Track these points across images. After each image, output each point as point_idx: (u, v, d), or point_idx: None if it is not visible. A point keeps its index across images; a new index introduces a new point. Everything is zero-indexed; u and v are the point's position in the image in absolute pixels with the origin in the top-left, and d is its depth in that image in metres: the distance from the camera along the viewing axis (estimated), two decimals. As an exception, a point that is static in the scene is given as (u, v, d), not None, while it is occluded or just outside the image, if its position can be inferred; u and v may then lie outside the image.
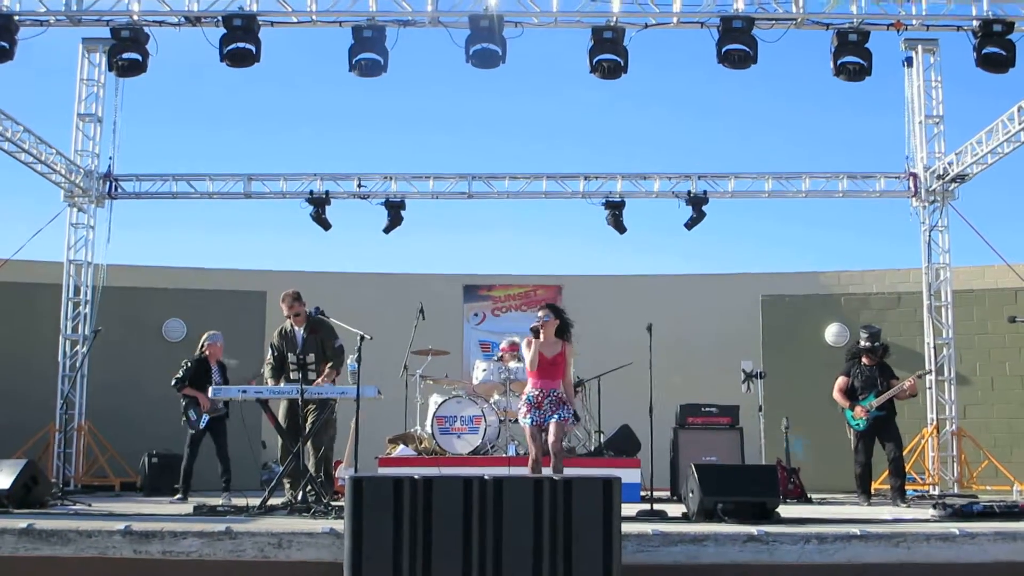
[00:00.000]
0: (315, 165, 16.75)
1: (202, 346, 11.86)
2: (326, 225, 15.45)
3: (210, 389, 10.26)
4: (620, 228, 15.44)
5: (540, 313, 9.09)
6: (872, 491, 11.61)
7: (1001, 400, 15.81)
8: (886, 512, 9.45)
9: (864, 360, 11.59)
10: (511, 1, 11.62)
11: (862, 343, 11.68)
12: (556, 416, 8.87)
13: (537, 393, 8.94)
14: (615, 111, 29.60)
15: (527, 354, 9.00)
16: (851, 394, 11.52)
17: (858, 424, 11.40)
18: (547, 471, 8.72)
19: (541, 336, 9.01)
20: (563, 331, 9.08)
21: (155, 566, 6.67)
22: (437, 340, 13.57)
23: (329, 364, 10.08)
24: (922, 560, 6.76)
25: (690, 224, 15.35)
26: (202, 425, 11.52)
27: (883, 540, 6.81)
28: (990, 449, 14.76)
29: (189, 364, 11.77)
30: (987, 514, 8.27)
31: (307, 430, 9.68)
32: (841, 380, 11.65)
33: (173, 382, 11.66)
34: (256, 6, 11.57)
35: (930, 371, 14.39)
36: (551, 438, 8.88)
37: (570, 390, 9.35)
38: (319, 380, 9.94)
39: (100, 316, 14.66)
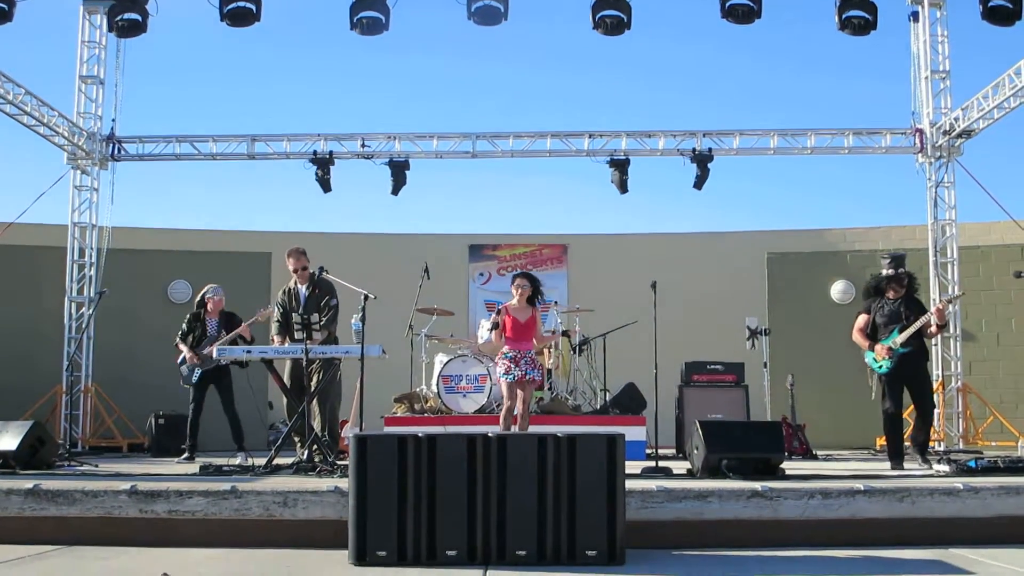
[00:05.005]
0: (319, 125, 16.67)
1: (202, 300, 11.74)
2: (327, 187, 15.38)
3: (215, 350, 10.25)
4: (623, 188, 15.32)
5: (517, 282, 9.83)
6: (905, 450, 9.85)
7: (1007, 356, 15.83)
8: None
9: (888, 293, 9.82)
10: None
11: (884, 271, 10.12)
12: (533, 373, 9.73)
13: (515, 353, 9.71)
14: (619, 71, 29.46)
15: (488, 334, 10.21)
16: (873, 334, 9.79)
17: (880, 367, 9.66)
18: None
19: (514, 301, 9.81)
20: (532, 300, 9.85)
21: (161, 525, 6.70)
22: (442, 300, 13.58)
23: (323, 321, 10.08)
24: (926, 515, 6.77)
25: (698, 183, 15.22)
26: (194, 380, 11.46)
27: (887, 495, 6.82)
28: (995, 405, 14.77)
29: (187, 318, 11.72)
30: (991, 469, 8.29)
31: (312, 389, 9.70)
32: (861, 318, 9.94)
33: (176, 340, 11.61)
34: (256, -36, 11.49)
35: (963, 293, 12.51)
36: (520, 403, 9.73)
37: (543, 342, 10.84)
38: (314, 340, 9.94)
39: (105, 278, 14.67)
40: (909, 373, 9.62)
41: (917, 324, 9.46)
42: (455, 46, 30.83)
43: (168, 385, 12.76)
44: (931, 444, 13.41)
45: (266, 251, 15.95)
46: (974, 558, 6.15)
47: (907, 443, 10.11)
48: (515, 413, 9.71)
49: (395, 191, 15.49)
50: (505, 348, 9.74)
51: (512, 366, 9.64)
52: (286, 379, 10.01)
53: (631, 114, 29.17)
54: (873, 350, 9.66)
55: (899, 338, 9.50)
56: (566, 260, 17.68)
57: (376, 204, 29.78)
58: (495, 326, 9.81)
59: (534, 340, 9.92)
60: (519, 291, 9.73)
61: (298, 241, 10.79)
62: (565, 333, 13.06)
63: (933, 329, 9.64)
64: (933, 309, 9.60)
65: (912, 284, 9.97)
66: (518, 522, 5.93)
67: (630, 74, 29.15)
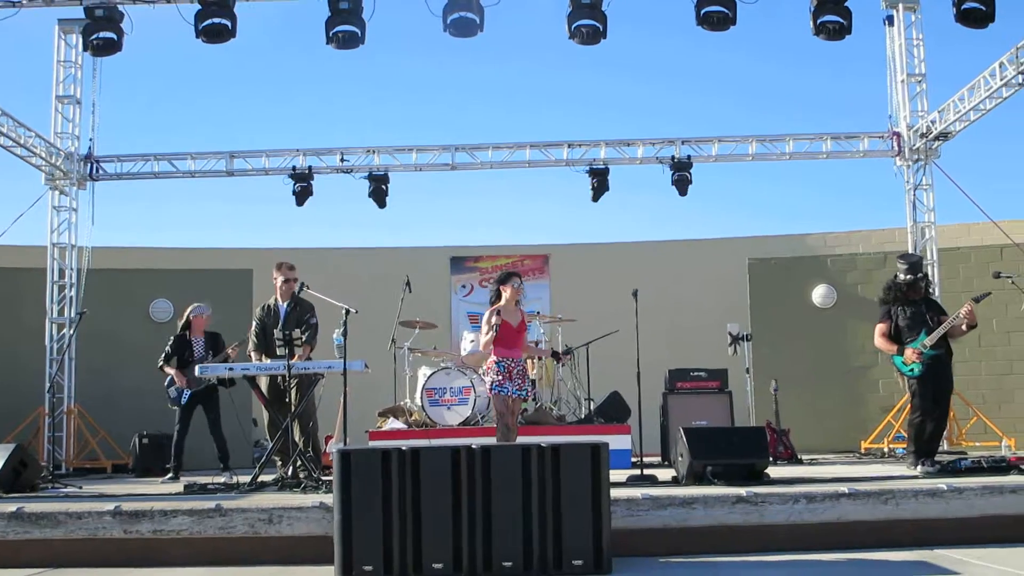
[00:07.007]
0: (297, 141, 16.67)
1: (187, 320, 11.68)
2: (302, 200, 15.35)
3: (197, 367, 10.21)
4: (601, 191, 15.30)
5: (512, 281, 9.06)
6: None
7: (988, 357, 15.85)
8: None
9: (908, 295, 9.68)
10: (487, -32, 11.51)
11: (901, 276, 9.73)
12: (524, 393, 9.10)
13: (509, 362, 8.94)
14: (596, 78, 29.55)
15: (471, 346, 9.27)
16: (897, 338, 9.60)
17: (912, 370, 9.42)
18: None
19: (504, 301, 9.03)
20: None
21: (145, 545, 6.68)
22: (425, 313, 13.57)
23: (303, 339, 10.02)
24: (910, 516, 6.81)
25: (681, 188, 15.20)
26: (183, 401, 11.40)
27: (871, 498, 6.86)
28: (978, 405, 14.79)
29: (171, 340, 11.66)
30: (975, 469, 8.34)
31: (293, 406, 9.67)
32: (881, 326, 9.71)
33: (159, 362, 11.54)
34: (230, -20, 11.45)
35: (989, 293, 10.50)
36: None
37: (531, 352, 10.17)
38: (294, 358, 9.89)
39: (86, 298, 14.59)
40: (939, 375, 9.45)
41: (946, 326, 9.38)
42: (432, 51, 30.89)
43: (152, 405, 12.71)
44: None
45: (247, 268, 15.88)
46: (959, 558, 6.18)
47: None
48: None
49: (381, 204, 15.51)
50: (495, 356, 8.92)
51: (506, 380, 8.83)
52: (263, 392, 9.98)
53: (610, 112, 29.11)
54: (902, 354, 9.46)
55: (928, 340, 9.35)
56: (548, 270, 17.69)
57: (356, 218, 29.78)
58: (494, 329, 8.82)
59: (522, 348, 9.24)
60: (514, 290, 8.98)
61: (280, 257, 10.74)
62: (555, 355, 12.57)
63: (964, 328, 9.50)
64: (963, 311, 9.32)
65: (929, 285, 9.92)
66: (503, 533, 5.94)
67: (610, 71, 29.25)
